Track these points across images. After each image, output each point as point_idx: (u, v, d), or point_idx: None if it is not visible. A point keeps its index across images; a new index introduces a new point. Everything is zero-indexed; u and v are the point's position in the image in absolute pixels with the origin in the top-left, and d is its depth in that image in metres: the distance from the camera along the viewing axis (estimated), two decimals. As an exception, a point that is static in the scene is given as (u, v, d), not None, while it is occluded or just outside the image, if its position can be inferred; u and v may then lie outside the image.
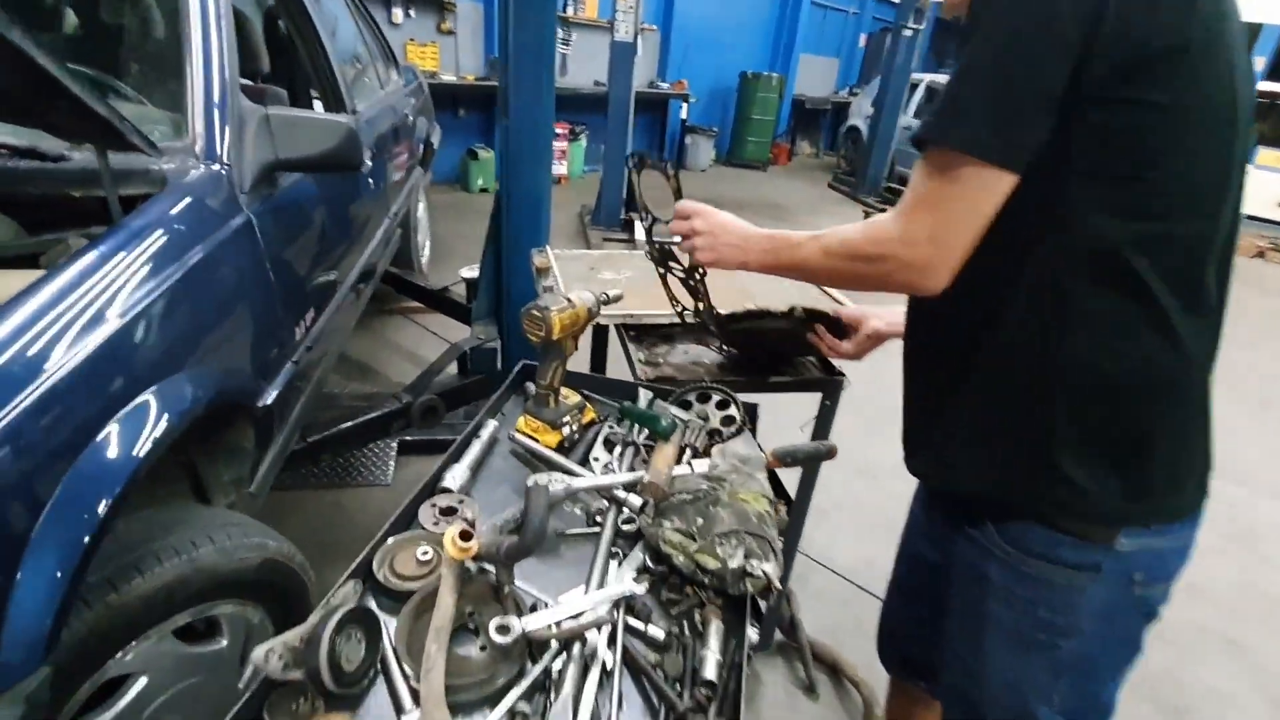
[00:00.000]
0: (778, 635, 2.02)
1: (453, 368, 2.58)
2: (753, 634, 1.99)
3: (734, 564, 0.87)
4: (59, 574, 0.91)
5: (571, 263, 1.96)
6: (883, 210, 7.63)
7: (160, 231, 1.27)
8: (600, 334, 2.02)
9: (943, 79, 5.98)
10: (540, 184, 2.41)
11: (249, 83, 2.07)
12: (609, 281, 1.85)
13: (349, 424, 2.10)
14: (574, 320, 1.12)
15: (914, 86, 8.32)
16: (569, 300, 1.12)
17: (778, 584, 0.87)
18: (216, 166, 1.53)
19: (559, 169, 7.62)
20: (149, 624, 1.16)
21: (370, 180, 2.46)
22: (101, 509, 0.96)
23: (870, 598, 2.26)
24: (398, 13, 6.43)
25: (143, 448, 1.06)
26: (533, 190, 2.39)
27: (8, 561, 0.88)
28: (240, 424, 1.57)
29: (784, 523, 1.54)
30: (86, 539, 0.94)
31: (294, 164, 1.65)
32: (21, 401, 0.90)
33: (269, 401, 1.55)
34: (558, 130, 7.50)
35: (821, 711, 1.88)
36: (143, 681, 1.17)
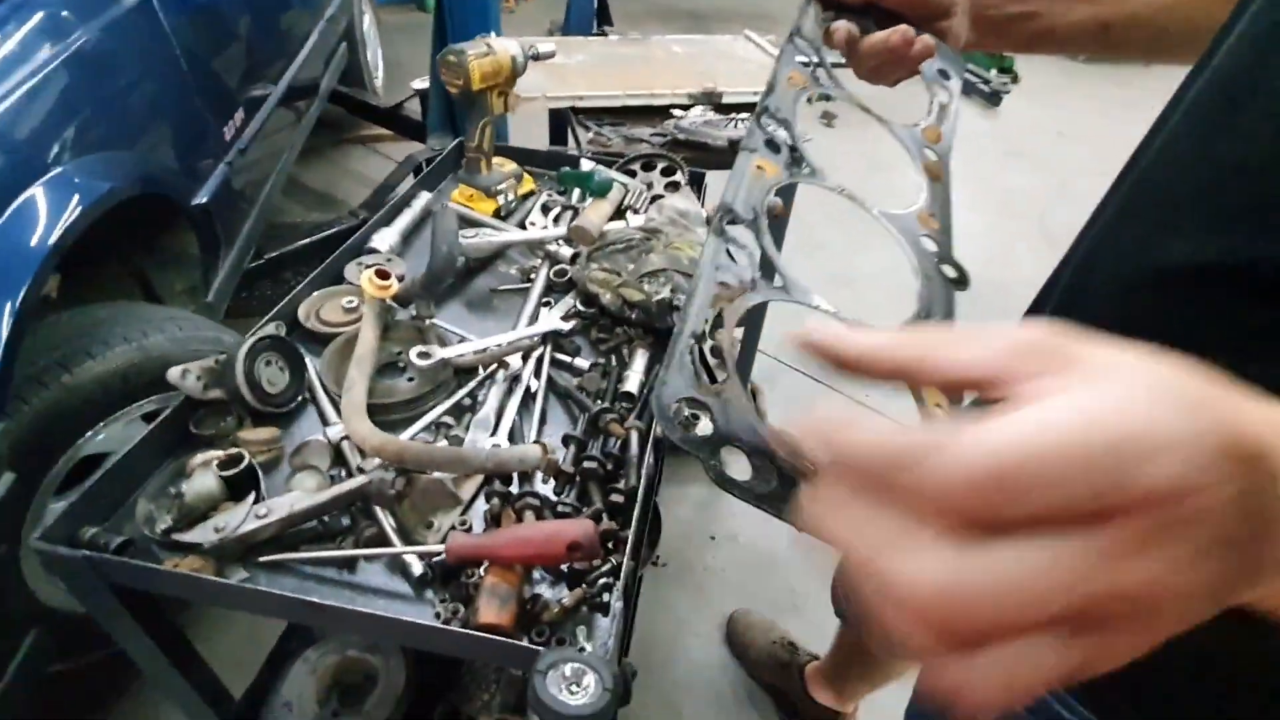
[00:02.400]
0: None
1: (410, 181, 2.47)
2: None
3: (659, 296, 0.86)
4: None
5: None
6: None
7: (45, 9, 1.16)
8: (558, 128, 1.91)
9: None
10: (484, -30, 2.17)
11: None
12: (558, 64, 1.71)
13: (307, 240, 2.06)
14: (496, 70, 1.03)
15: None
16: (489, 47, 1.03)
17: (703, 315, 0.87)
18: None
19: (525, -15, 6.86)
20: (112, 406, 1.19)
21: (295, -27, 2.21)
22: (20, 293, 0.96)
23: (840, 396, 2.35)
24: None
25: (52, 236, 1.04)
26: (475, -23, 2.15)
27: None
28: (179, 229, 1.53)
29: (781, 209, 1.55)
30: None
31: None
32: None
33: (203, 201, 1.49)
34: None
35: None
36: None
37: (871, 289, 2.70)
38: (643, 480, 0.68)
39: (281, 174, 2.15)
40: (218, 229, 1.61)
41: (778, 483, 0.34)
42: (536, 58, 1.13)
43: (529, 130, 2.26)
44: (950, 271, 0.53)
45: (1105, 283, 0.51)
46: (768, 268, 0.47)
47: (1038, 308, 0.66)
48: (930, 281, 0.51)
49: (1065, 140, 4.23)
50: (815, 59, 0.60)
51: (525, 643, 0.53)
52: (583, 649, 0.57)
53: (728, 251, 0.45)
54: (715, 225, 0.47)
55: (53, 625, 1.18)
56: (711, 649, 1.65)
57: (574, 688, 0.47)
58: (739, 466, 0.35)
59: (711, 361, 0.40)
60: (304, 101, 2.37)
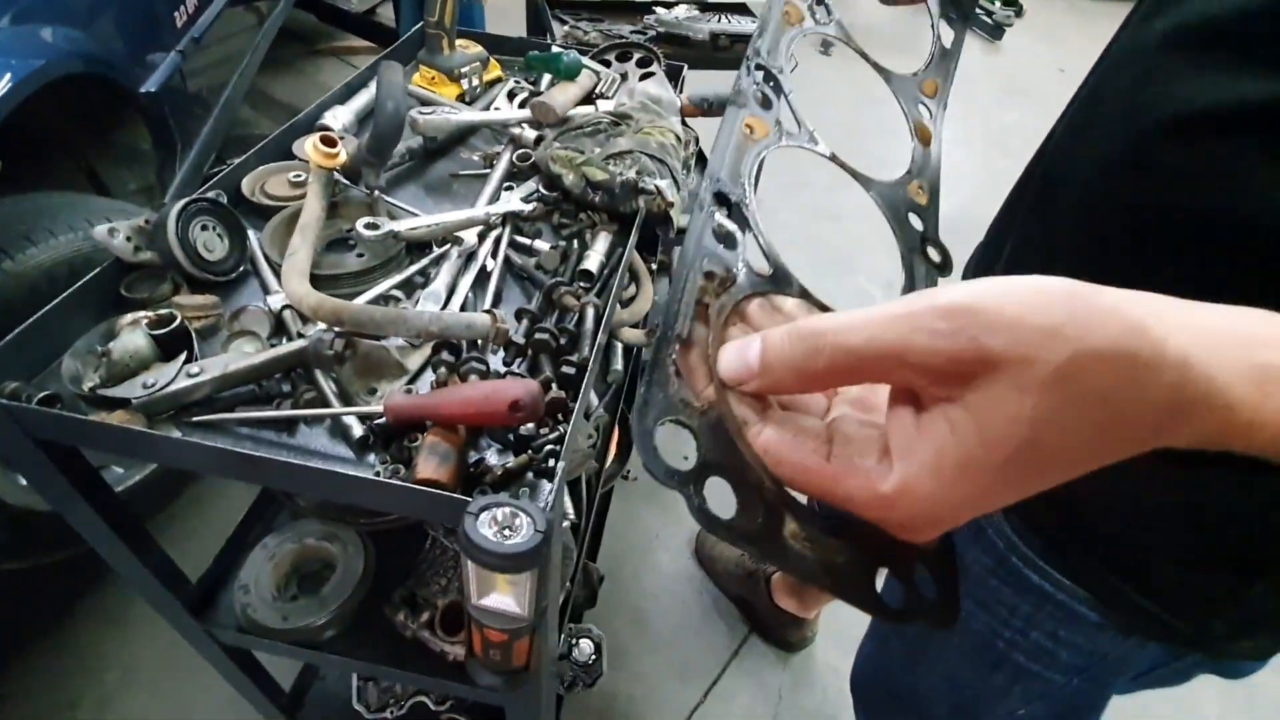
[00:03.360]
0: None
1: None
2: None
3: (624, 177, 0.82)
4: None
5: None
6: None
7: None
8: (537, 22, 1.80)
9: None
10: None
11: None
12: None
13: (298, 116, 1.96)
14: (455, -68, 0.96)
15: None
16: (448, -94, 0.95)
17: (671, 198, 0.83)
18: None
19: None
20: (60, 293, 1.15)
21: None
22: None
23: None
24: None
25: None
26: None
27: None
28: (130, 122, 1.45)
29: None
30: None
31: None
32: None
33: (152, 90, 1.40)
34: None
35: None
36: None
37: (857, 223, 2.65)
38: (594, 353, 0.65)
39: (244, 79, 2.04)
40: (171, 125, 1.53)
41: (763, 519, 0.29)
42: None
43: (507, 22, 2.15)
44: (934, 255, 0.48)
45: (1107, 134, 0.48)
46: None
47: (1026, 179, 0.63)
48: (912, 267, 0.47)
49: (1067, 79, 4.11)
50: None
51: (462, 498, 0.51)
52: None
53: (714, 232, 0.38)
54: (702, 200, 0.40)
55: (9, 522, 1.17)
56: (680, 562, 1.68)
57: (507, 531, 0.46)
58: (723, 498, 0.30)
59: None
60: (264, 3, 2.23)
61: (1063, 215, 0.51)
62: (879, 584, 0.31)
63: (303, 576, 0.96)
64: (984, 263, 0.68)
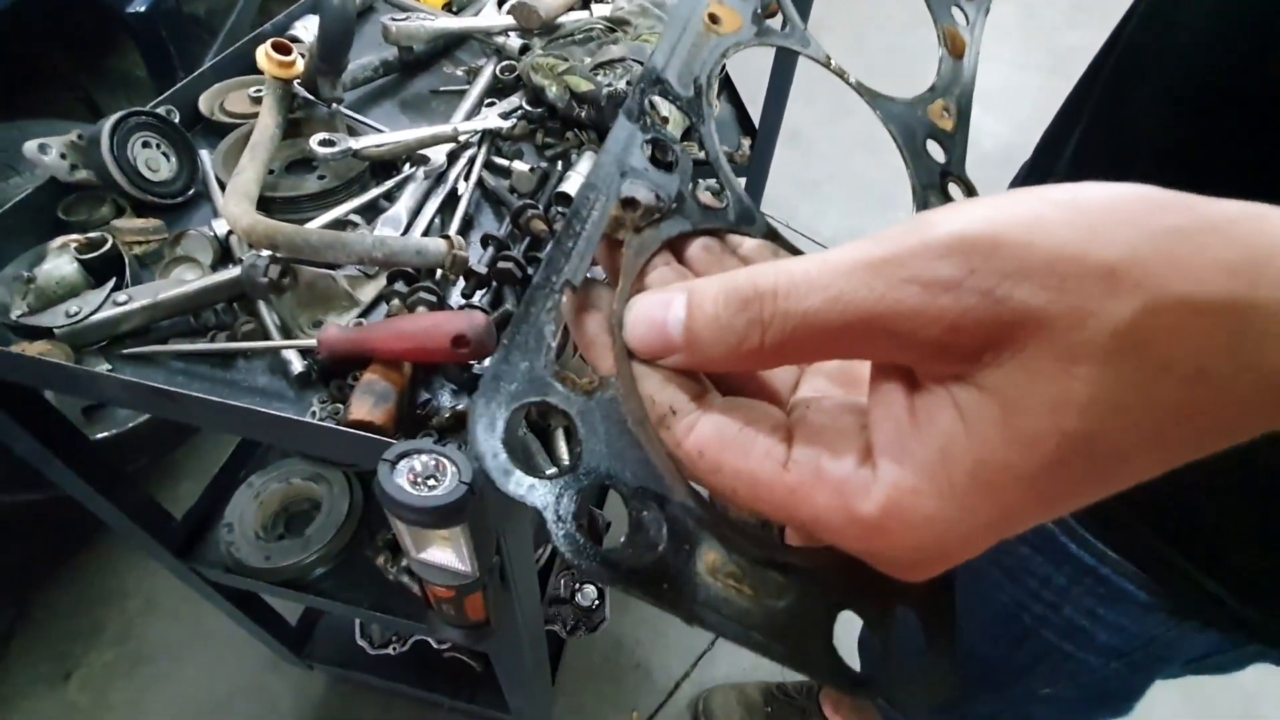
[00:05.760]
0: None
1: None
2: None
3: (611, 88, 0.73)
4: None
5: None
6: None
7: None
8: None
9: None
10: None
11: None
12: None
13: (264, 27, 1.89)
14: None
15: None
16: None
17: (666, 114, 0.73)
18: None
19: None
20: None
21: None
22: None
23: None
24: None
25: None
26: None
27: None
28: (123, 47, 1.39)
29: (747, 158, 1.38)
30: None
31: None
32: None
33: (140, 9, 1.33)
34: None
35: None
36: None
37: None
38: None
39: (245, 13, 1.96)
40: (168, 47, 1.46)
41: (668, 547, 0.20)
42: None
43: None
44: (957, 193, 0.36)
45: None
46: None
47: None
48: (929, 203, 0.35)
49: (1145, -8, 3.72)
50: None
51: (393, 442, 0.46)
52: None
53: (645, 146, 0.27)
54: (631, 102, 0.29)
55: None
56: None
57: (431, 481, 0.40)
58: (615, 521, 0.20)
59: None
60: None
61: (1146, 105, 0.39)
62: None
63: (291, 516, 0.94)
64: (1035, 173, 0.55)
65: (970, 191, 0.36)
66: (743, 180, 1.64)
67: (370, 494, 0.92)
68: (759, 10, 0.35)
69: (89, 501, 0.73)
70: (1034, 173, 0.58)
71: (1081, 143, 0.48)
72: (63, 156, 0.63)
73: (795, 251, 0.28)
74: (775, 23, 0.36)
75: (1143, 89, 0.41)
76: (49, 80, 1.38)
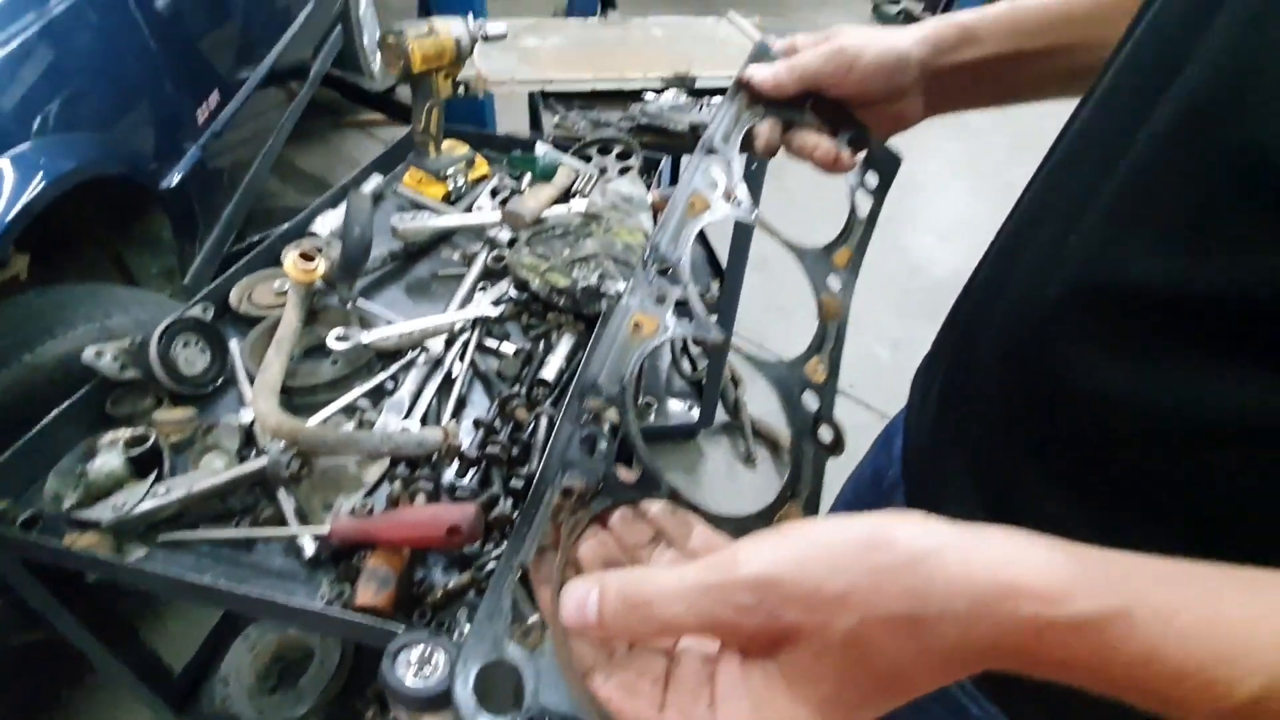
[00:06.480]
0: (722, 415, 2.11)
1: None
2: (694, 414, 2.08)
3: (585, 283, 0.86)
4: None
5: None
6: (895, 1, 6.03)
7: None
8: (538, 111, 1.90)
9: None
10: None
11: None
12: (532, 46, 1.70)
13: (288, 224, 2.07)
14: (438, 51, 1.03)
15: None
16: (431, 27, 1.02)
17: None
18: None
19: (533, -33, 6.81)
20: (74, 387, 1.22)
21: (279, -44, 2.20)
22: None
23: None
24: None
25: (10, 213, 1.06)
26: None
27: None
28: (151, 212, 1.54)
29: (716, 300, 1.54)
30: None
31: (157, -88, 1.46)
32: None
33: (172, 185, 1.50)
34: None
35: (757, 480, 2.01)
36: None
37: (861, 284, 2.66)
38: (553, 441, 0.68)
39: (268, 158, 2.17)
40: (194, 211, 1.63)
41: None
42: (486, 38, 1.12)
43: (514, 113, 2.25)
44: (826, 436, 0.45)
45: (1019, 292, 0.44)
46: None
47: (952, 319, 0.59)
48: (800, 452, 0.44)
49: (1077, 127, 4.11)
50: (727, 176, 0.52)
51: (393, 626, 0.53)
52: (463, 633, 0.57)
53: (582, 441, 0.37)
54: (569, 406, 0.38)
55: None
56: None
57: (426, 668, 0.48)
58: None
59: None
60: (291, 85, 2.38)
61: (982, 368, 0.47)
62: None
63: (285, 665, 0.98)
64: (923, 386, 0.61)
65: (836, 432, 0.45)
66: (714, 317, 1.80)
67: (360, 644, 0.97)
68: (670, 313, 0.44)
69: (94, 654, 0.78)
70: (921, 386, 0.63)
71: (943, 384, 0.54)
72: (115, 359, 0.73)
73: (693, 509, 0.37)
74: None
75: (979, 352, 0.47)
76: (84, 241, 1.52)
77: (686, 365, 2.13)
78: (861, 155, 0.56)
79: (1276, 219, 0.29)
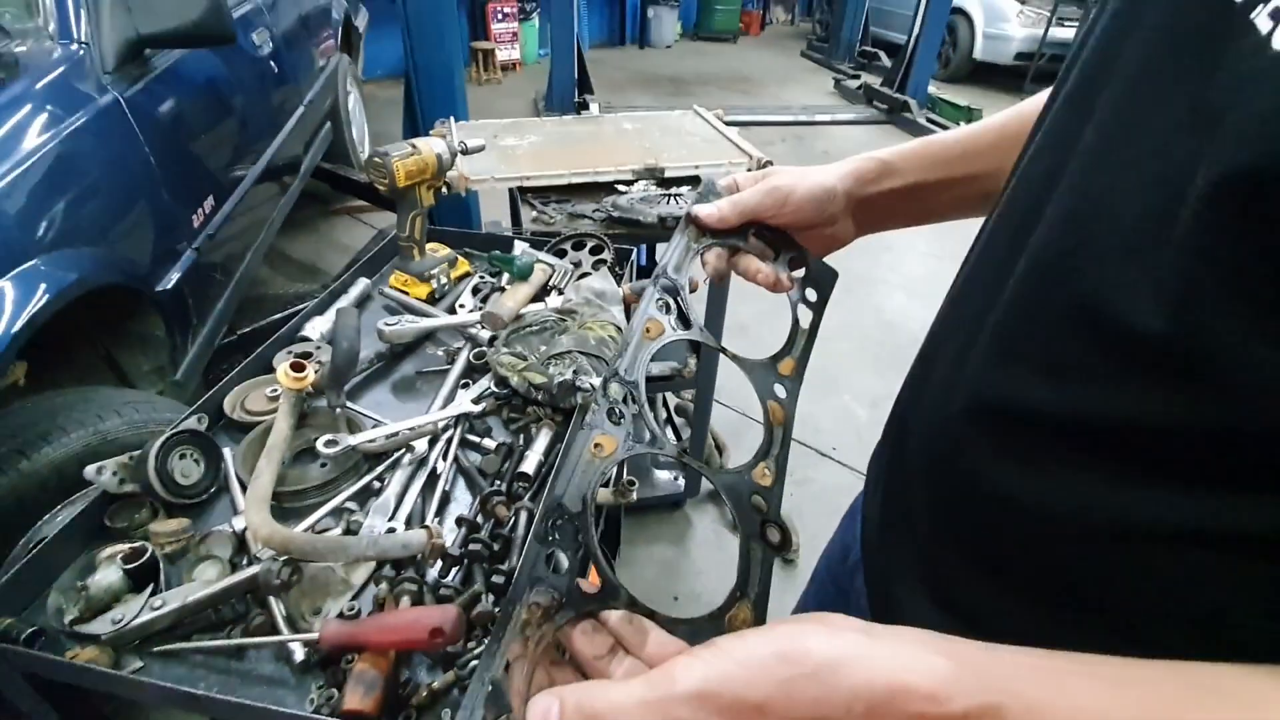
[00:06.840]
0: (707, 486, 2.15)
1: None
2: (680, 483, 2.11)
3: (560, 379, 0.92)
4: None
5: (474, 131, 1.91)
6: (855, 77, 6.42)
7: (14, 117, 1.26)
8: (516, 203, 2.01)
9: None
10: (448, 52, 2.31)
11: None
12: (510, 146, 1.82)
13: (279, 315, 2.14)
14: (421, 168, 1.12)
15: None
16: (413, 147, 1.11)
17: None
18: (74, 47, 1.48)
19: (511, 54, 7.21)
20: (69, 491, 1.24)
21: (273, 64, 2.36)
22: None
23: (810, 452, 2.39)
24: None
25: (14, 326, 1.12)
26: (440, 59, 2.29)
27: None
28: (145, 312, 1.61)
29: (693, 373, 1.61)
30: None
31: (159, 39, 1.58)
32: None
33: (168, 287, 1.57)
34: (505, 9, 7.04)
35: (746, 545, 2.03)
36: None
37: (840, 342, 2.75)
38: (522, 560, 0.72)
39: (259, 251, 2.26)
40: (188, 309, 1.69)
41: None
42: (465, 152, 1.22)
43: (497, 202, 2.37)
44: (773, 536, 0.48)
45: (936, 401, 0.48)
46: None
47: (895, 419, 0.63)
48: (748, 552, 0.47)
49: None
50: (677, 300, 0.57)
51: (380, 728, 0.56)
52: (447, 731, 0.60)
53: (548, 558, 0.39)
54: (536, 525, 0.40)
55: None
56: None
57: (410, 773, 0.51)
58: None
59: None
60: (283, 181, 2.50)
61: (914, 470, 0.52)
62: None
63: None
64: (874, 474, 0.66)
65: (783, 533, 0.49)
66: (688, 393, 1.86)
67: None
68: (629, 431, 0.48)
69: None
70: (875, 468, 0.67)
71: (887, 484, 0.59)
72: (114, 474, 0.77)
73: (650, 615, 0.41)
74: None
75: (908, 458, 0.52)
76: (77, 343, 1.57)
77: (671, 437, 2.18)
78: (800, 273, 0.63)
79: (1118, 360, 0.36)
